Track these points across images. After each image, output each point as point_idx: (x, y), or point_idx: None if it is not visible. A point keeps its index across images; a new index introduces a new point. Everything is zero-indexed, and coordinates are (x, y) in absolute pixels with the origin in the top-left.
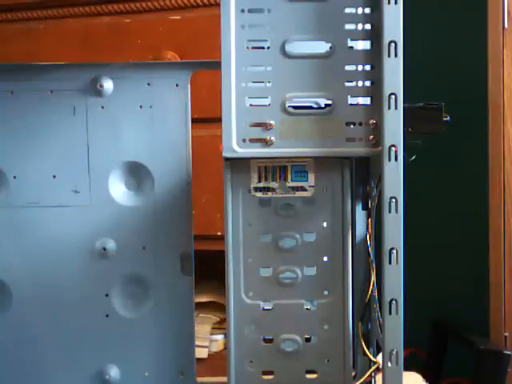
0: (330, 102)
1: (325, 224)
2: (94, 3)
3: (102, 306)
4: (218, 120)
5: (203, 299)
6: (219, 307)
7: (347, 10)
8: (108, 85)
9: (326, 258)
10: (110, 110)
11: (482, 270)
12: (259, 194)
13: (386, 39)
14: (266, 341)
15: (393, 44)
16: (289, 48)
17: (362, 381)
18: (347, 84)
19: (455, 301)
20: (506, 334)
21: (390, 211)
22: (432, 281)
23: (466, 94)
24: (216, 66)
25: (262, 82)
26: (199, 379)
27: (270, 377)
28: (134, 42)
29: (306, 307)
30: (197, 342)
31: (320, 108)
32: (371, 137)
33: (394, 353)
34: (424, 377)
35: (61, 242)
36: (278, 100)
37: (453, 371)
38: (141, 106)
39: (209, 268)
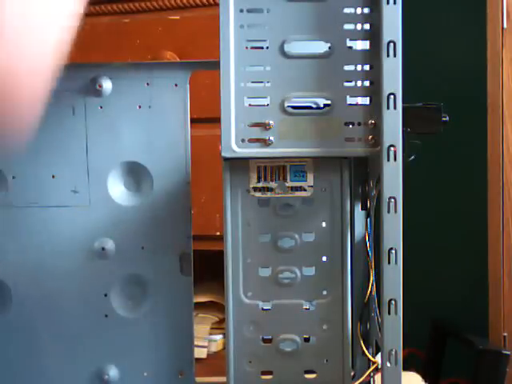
0: (328, 102)
1: (324, 224)
2: (93, 3)
3: (100, 306)
4: (217, 120)
5: (202, 299)
6: (218, 307)
7: (346, 10)
8: (107, 85)
9: (324, 258)
10: (109, 110)
11: (480, 270)
12: (258, 194)
13: (385, 39)
14: (264, 341)
15: (392, 44)
16: (288, 48)
17: (360, 381)
18: (346, 84)
19: (454, 301)
20: (505, 334)
21: (389, 211)
22: (431, 281)
23: (465, 94)
24: (215, 65)
25: (261, 82)
26: (198, 379)
27: (269, 377)
28: (133, 42)
29: (304, 307)
30: (196, 342)
31: (319, 108)
32: (370, 137)
33: (393, 353)
34: (423, 377)
35: (60, 242)
36: (277, 100)
37: (452, 371)
38: (140, 106)
39: (208, 268)
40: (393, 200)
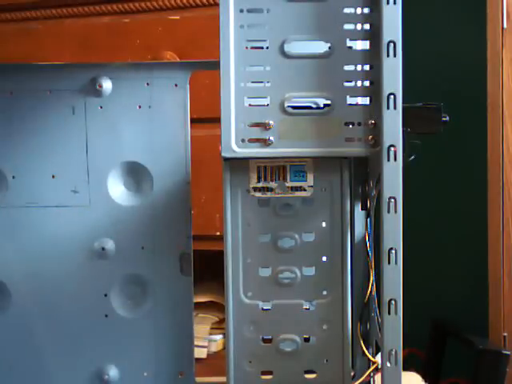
0: (328, 102)
1: (324, 224)
2: (93, 3)
3: (101, 306)
4: (218, 120)
5: (202, 299)
6: (218, 307)
7: (346, 10)
8: (107, 85)
9: (324, 258)
10: (109, 110)
11: (481, 270)
12: (258, 194)
13: (385, 39)
14: (264, 341)
15: (392, 44)
16: (288, 48)
17: (360, 381)
18: (346, 84)
19: (454, 301)
20: (505, 334)
21: (388, 211)
22: (431, 281)
23: (465, 94)
24: (215, 65)
25: (261, 82)
26: (198, 379)
27: (269, 377)
28: (133, 42)
29: (304, 307)
30: (196, 342)
31: (319, 108)
32: (370, 137)
33: (393, 353)
34: (423, 377)
35: (60, 242)
36: (276, 100)
37: (452, 371)
38: (140, 106)
39: (208, 268)
40: (393, 200)
